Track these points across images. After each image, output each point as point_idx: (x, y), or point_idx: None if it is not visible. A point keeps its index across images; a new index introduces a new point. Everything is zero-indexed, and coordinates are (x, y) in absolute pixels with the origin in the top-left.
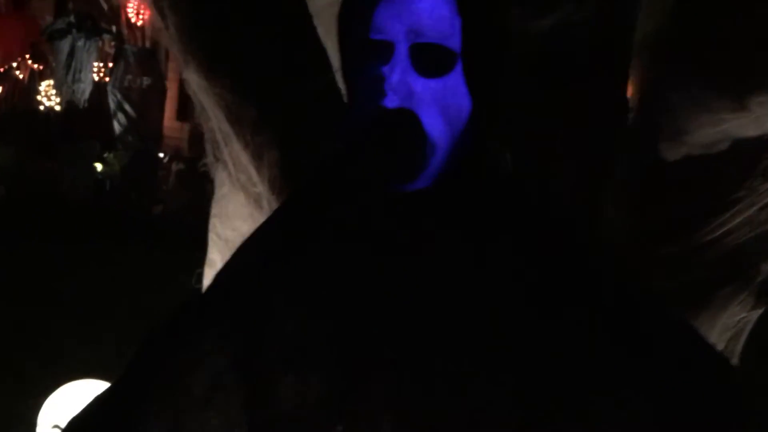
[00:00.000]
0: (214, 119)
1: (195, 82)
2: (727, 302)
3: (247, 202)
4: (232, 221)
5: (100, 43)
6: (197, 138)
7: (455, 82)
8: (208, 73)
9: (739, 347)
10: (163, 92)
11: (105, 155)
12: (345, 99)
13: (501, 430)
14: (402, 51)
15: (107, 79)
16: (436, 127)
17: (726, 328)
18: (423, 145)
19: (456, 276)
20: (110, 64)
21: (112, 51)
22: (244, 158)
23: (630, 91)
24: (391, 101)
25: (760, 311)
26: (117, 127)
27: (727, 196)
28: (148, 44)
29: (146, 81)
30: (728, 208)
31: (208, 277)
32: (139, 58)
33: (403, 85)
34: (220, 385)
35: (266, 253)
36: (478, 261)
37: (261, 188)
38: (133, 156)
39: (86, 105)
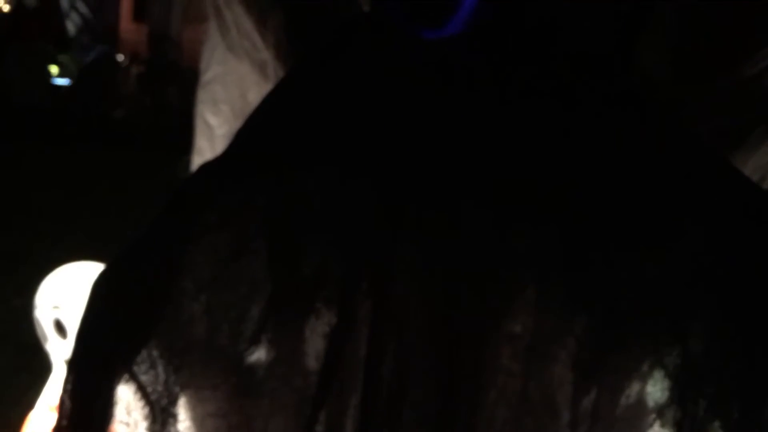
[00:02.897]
0: None
1: None
2: (759, 142)
3: (252, 70)
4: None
5: None
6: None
7: None
8: None
9: (764, 188)
10: None
11: (59, 57)
12: None
13: (545, 271)
14: None
15: None
16: None
17: (755, 168)
18: None
19: (491, 123)
20: None
21: None
22: (247, 23)
23: None
24: None
25: None
26: (71, 28)
27: None
28: None
29: None
30: None
31: (196, 166)
32: None
33: None
34: (246, 248)
35: (290, 107)
36: (514, 111)
37: (266, 54)
38: (91, 58)
39: (37, 4)
